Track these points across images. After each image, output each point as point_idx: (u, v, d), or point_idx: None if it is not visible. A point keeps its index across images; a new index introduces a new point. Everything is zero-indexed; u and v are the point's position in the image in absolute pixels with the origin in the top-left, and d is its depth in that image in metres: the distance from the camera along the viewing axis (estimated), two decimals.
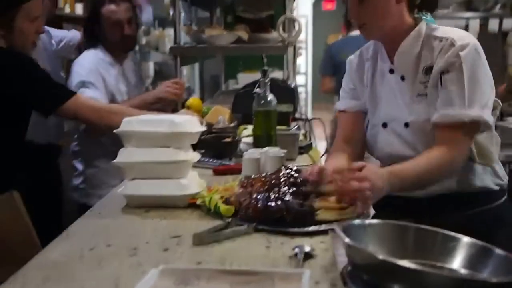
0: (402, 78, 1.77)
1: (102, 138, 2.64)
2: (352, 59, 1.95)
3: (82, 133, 2.75)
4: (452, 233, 1.20)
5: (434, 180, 1.66)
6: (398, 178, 1.56)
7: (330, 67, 4.55)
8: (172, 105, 3.02)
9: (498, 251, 1.12)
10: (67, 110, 2.17)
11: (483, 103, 1.63)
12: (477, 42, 1.69)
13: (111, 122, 2.05)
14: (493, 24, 5.68)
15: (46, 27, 3.71)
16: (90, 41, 2.85)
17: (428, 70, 1.71)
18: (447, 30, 1.75)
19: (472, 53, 1.66)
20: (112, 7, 2.76)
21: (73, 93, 2.21)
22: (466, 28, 5.67)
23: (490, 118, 1.64)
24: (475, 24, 5.69)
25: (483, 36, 5.74)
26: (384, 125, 1.79)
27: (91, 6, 2.84)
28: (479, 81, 1.65)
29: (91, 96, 2.52)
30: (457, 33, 1.71)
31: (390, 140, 1.77)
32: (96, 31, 2.80)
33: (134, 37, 2.91)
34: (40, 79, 2.15)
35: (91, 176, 2.79)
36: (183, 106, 3.44)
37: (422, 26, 1.77)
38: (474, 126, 1.64)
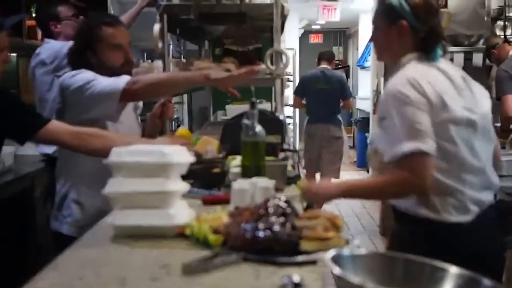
0: None
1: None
2: None
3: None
4: (440, 264, 1.22)
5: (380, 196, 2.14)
6: (347, 185, 2.09)
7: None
8: (159, 127, 3.05)
9: (486, 281, 1.13)
10: (45, 136, 2.13)
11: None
12: (398, 87, 2.01)
13: (92, 146, 2.12)
14: (477, 58, 5.77)
15: (47, 40, 3.80)
16: (78, 67, 2.53)
17: None
18: (394, 76, 2.11)
19: (392, 99, 2.01)
20: (111, 30, 2.58)
21: (48, 120, 2.18)
22: (451, 62, 5.77)
23: (423, 146, 1.91)
24: (459, 58, 5.78)
25: (468, 69, 5.83)
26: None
27: (83, 29, 2.61)
28: (408, 119, 1.95)
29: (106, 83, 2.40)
30: (392, 81, 2.08)
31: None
32: (88, 57, 2.56)
33: (133, 63, 2.78)
34: (13, 107, 2.13)
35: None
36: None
37: (403, 60, 2.14)
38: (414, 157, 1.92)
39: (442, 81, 2.05)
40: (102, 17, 2.67)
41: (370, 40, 2.31)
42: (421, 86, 1.99)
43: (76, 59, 2.57)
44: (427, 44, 2.12)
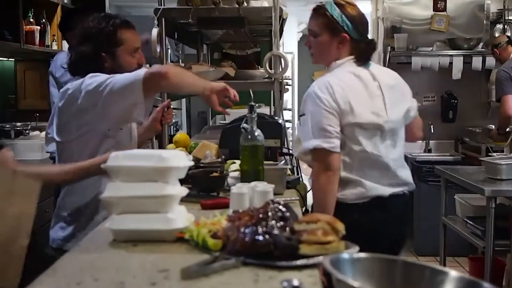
0: None
1: None
2: None
3: None
4: (440, 268, 1.21)
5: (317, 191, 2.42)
6: None
7: None
8: (158, 132, 3.04)
9: (486, 285, 1.12)
10: None
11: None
12: (316, 89, 2.40)
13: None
14: (477, 62, 5.77)
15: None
16: (89, 72, 2.33)
17: None
18: (322, 77, 2.49)
19: (309, 99, 2.41)
20: (130, 32, 2.46)
21: None
22: (450, 65, 5.77)
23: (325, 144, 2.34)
24: (458, 62, 5.78)
25: (467, 73, 5.84)
26: None
27: (99, 31, 2.40)
28: (318, 119, 2.36)
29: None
30: (314, 83, 2.47)
31: None
32: (103, 60, 2.41)
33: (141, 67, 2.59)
34: None
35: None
36: (170, 141, 3.45)
37: (336, 64, 2.50)
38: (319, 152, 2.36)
39: (356, 87, 2.43)
40: (115, 18, 2.47)
41: (308, 45, 2.61)
42: (334, 92, 2.37)
43: (89, 63, 2.38)
44: (366, 54, 2.52)
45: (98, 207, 2.32)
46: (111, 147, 2.25)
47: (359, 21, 2.52)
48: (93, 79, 2.27)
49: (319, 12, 2.54)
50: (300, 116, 2.46)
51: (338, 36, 2.49)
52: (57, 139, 2.37)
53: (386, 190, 2.47)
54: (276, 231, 1.46)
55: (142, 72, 2.23)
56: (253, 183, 2.04)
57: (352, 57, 2.50)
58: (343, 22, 2.47)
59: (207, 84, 2.46)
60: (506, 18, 6.01)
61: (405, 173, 2.58)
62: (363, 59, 2.51)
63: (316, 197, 2.41)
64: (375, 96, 2.45)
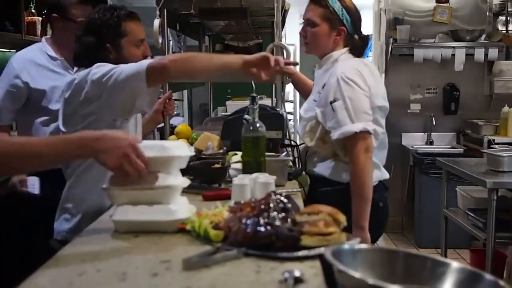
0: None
1: None
2: None
3: None
4: (442, 259, 1.21)
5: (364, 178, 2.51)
6: None
7: None
8: (160, 123, 3.04)
9: (488, 276, 1.12)
10: None
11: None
12: (348, 74, 2.48)
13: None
14: (479, 54, 5.75)
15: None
16: (93, 63, 2.31)
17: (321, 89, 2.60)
18: (340, 64, 2.56)
19: (344, 84, 2.45)
20: (135, 23, 2.45)
21: None
22: (453, 57, 5.76)
23: (369, 127, 2.45)
24: (461, 54, 5.76)
25: (469, 65, 5.82)
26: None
27: (104, 22, 2.37)
28: (356, 102, 2.44)
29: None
30: (339, 69, 2.51)
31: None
32: (107, 52, 2.40)
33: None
34: None
35: None
36: (172, 133, 3.46)
37: (336, 55, 2.60)
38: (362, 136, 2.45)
39: (369, 73, 2.55)
40: (120, 9, 2.44)
41: (303, 34, 2.66)
42: (364, 76, 2.48)
43: (93, 55, 2.36)
44: (361, 49, 2.63)
45: (102, 199, 2.32)
46: None
47: (357, 17, 2.63)
48: (99, 69, 2.26)
49: (320, 3, 2.59)
50: (331, 102, 2.47)
51: (337, 29, 2.59)
52: (63, 129, 2.36)
53: (386, 172, 2.71)
54: (277, 223, 1.46)
55: (145, 62, 2.22)
56: (254, 175, 2.04)
57: (348, 49, 2.62)
58: (343, 16, 2.57)
59: (237, 59, 2.36)
60: (509, 9, 5.98)
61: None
62: (357, 53, 2.63)
63: (357, 179, 2.47)
64: (379, 82, 2.64)
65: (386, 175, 2.69)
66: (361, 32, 2.66)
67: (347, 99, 2.43)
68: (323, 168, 2.65)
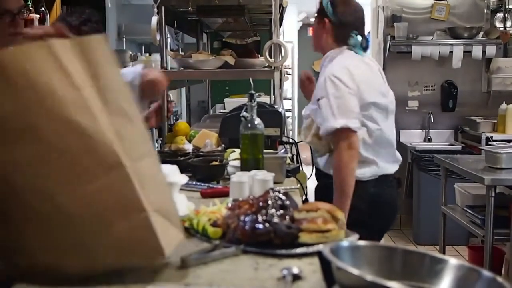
0: None
1: None
2: None
3: None
4: (440, 256, 1.21)
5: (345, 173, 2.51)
6: None
7: None
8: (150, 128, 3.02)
9: (486, 273, 1.12)
10: None
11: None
12: (335, 73, 2.50)
13: None
14: (477, 51, 5.75)
15: None
16: None
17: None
18: (333, 63, 2.59)
19: (330, 82, 2.48)
20: None
21: None
22: (450, 54, 5.76)
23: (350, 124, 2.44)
24: (459, 51, 5.76)
25: (467, 62, 5.82)
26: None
27: None
28: (340, 100, 2.45)
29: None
30: (329, 68, 2.55)
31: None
32: None
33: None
34: None
35: None
36: (170, 130, 3.45)
37: (331, 54, 2.64)
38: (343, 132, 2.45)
39: (366, 70, 2.58)
40: None
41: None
42: (353, 73, 2.49)
43: None
44: (342, 36, 2.61)
45: None
46: None
47: (341, 4, 2.64)
48: None
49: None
50: (318, 100, 2.52)
51: (323, 21, 2.65)
52: None
53: (391, 168, 2.67)
54: (276, 220, 1.46)
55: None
56: (253, 172, 2.04)
57: (346, 46, 2.63)
58: (327, 9, 2.63)
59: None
60: (507, 7, 5.98)
61: (399, 154, 2.77)
62: (340, 42, 2.63)
63: (338, 175, 2.48)
64: (379, 79, 2.67)
65: (386, 170, 2.64)
66: (346, 22, 2.62)
67: (331, 97, 2.46)
68: (322, 163, 2.69)
